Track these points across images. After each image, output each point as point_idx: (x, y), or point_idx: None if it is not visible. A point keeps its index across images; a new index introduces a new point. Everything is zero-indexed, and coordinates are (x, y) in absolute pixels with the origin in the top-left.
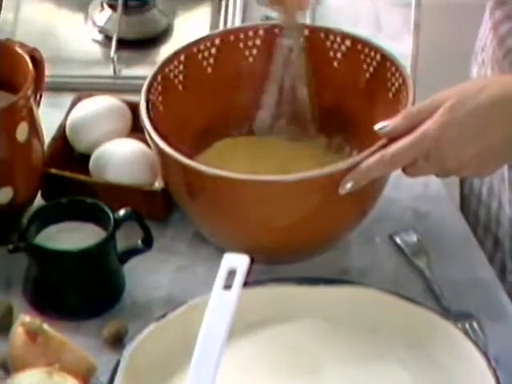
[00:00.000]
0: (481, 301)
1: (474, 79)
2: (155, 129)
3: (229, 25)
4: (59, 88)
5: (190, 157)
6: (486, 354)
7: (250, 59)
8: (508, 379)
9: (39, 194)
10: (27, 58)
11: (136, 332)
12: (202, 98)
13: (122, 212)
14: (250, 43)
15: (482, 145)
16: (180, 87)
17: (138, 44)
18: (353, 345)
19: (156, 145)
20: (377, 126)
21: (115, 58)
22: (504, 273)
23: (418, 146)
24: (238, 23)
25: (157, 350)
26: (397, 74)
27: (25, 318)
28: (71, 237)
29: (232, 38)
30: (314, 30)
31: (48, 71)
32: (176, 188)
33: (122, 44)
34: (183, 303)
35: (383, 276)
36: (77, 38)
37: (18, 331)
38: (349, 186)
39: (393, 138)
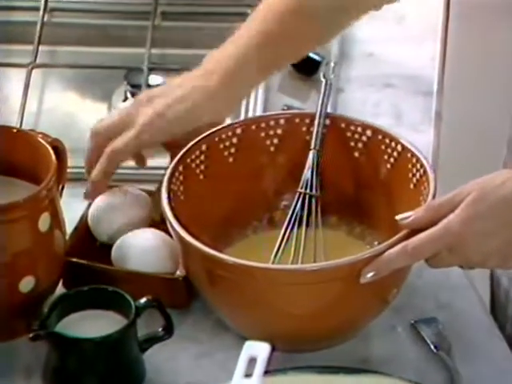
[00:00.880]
0: None
1: (497, 172)
2: (176, 218)
3: (250, 113)
4: (81, 178)
5: (211, 245)
6: None
7: (272, 148)
8: None
9: (60, 283)
10: (50, 149)
11: None
12: (223, 187)
13: (143, 300)
14: (271, 132)
15: (506, 237)
16: (201, 176)
17: None
18: None
19: (177, 234)
20: (398, 216)
21: None
22: None
23: (440, 240)
24: (259, 112)
25: None
26: (418, 165)
27: None
28: (92, 325)
29: (253, 127)
30: (335, 120)
31: (70, 162)
32: (197, 276)
33: None
34: None
35: (404, 365)
36: None
37: None
38: (369, 276)
39: (414, 230)
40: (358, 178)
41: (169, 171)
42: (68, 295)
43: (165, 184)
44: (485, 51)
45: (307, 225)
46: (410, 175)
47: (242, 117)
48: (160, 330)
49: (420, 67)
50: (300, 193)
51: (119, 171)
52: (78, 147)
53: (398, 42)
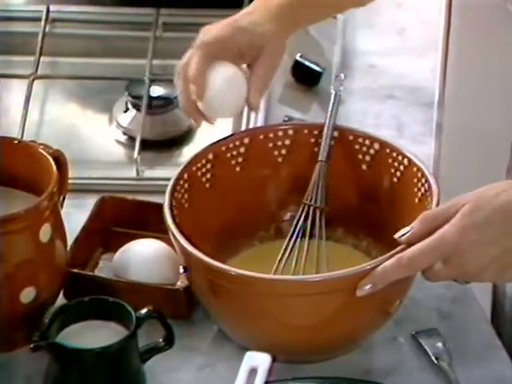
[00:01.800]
0: None
1: (493, 183)
2: (178, 227)
3: (251, 124)
4: (82, 189)
5: (216, 254)
6: None
7: (279, 159)
8: None
9: (61, 293)
10: (51, 160)
11: None
12: (229, 197)
13: (143, 311)
14: (279, 143)
15: (501, 249)
16: (207, 185)
17: (160, 145)
18: None
19: (179, 244)
20: (397, 235)
21: (138, 160)
22: None
23: (436, 250)
24: (260, 123)
25: None
26: (423, 180)
27: None
28: (93, 335)
29: (261, 136)
30: (343, 132)
31: (71, 173)
32: (199, 287)
33: (145, 145)
34: None
35: (406, 376)
36: (101, 139)
37: None
38: (366, 288)
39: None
40: (365, 191)
41: (173, 179)
42: (69, 306)
43: (168, 192)
44: (486, 62)
45: (311, 236)
46: (416, 189)
47: (244, 127)
48: (161, 340)
49: (421, 79)
50: (305, 204)
51: (121, 182)
52: (79, 158)
53: (398, 54)
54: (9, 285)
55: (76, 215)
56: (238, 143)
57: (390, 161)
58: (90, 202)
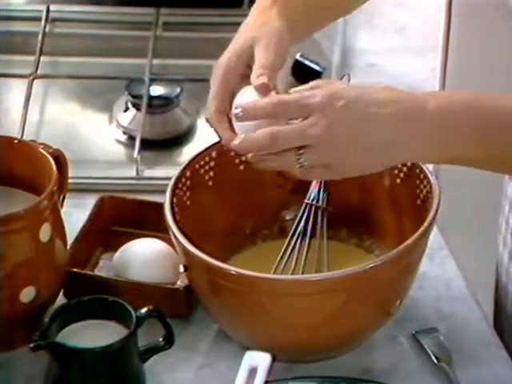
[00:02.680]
0: None
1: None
2: (179, 227)
3: None
4: (82, 189)
5: (218, 251)
6: None
7: None
8: None
9: (61, 293)
10: (51, 160)
11: None
12: (231, 195)
13: (143, 310)
14: None
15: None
16: (210, 183)
17: (160, 144)
18: None
19: (180, 244)
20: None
21: (139, 159)
22: None
23: (307, 131)
24: None
25: None
26: (425, 182)
27: None
28: (93, 335)
29: None
30: None
31: (71, 172)
32: (199, 286)
33: (145, 144)
34: None
35: (405, 376)
36: (101, 139)
37: None
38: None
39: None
40: (368, 191)
41: (175, 177)
42: (69, 305)
43: (169, 190)
44: (486, 61)
45: (313, 236)
46: (418, 191)
47: None
48: (161, 340)
49: (421, 78)
50: (307, 204)
51: (121, 182)
52: (79, 158)
53: (398, 53)
54: (9, 284)
55: (76, 215)
56: None
57: None
58: (89, 202)
